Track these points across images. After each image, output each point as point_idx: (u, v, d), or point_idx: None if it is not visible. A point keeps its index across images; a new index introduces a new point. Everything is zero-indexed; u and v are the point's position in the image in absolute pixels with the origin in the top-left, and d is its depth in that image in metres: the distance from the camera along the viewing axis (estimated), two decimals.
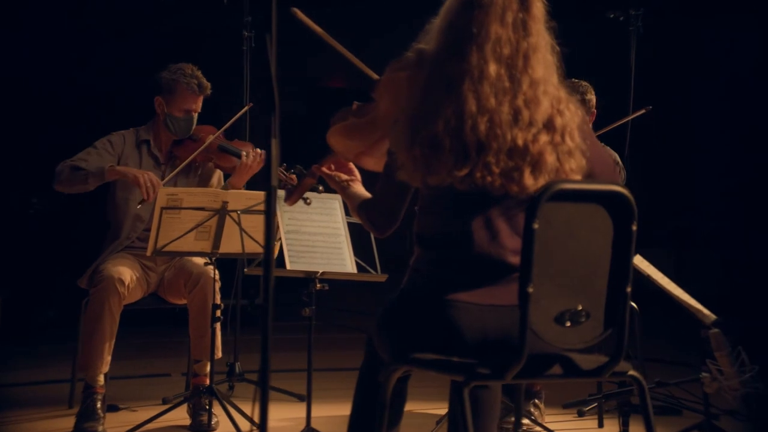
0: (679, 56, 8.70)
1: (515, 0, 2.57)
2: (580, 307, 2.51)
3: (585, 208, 2.50)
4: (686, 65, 8.89)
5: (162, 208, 4.12)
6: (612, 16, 5.28)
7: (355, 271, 3.98)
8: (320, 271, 3.89)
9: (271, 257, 2.30)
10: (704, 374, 3.69)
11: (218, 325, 4.44)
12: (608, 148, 4.93)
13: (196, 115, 4.75)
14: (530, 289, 2.42)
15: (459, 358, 2.54)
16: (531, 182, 2.55)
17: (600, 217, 2.51)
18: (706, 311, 3.69)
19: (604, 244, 2.52)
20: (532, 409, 4.64)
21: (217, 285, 4.42)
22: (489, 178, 2.53)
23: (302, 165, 3.81)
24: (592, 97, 4.80)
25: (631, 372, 2.62)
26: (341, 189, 3.00)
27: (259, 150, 4.66)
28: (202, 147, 4.61)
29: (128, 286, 4.41)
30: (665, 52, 7.89)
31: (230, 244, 4.27)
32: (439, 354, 2.56)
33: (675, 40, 8.26)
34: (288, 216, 3.83)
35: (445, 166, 2.53)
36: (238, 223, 4.10)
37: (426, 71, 2.60)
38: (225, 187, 4.64)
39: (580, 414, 4.89)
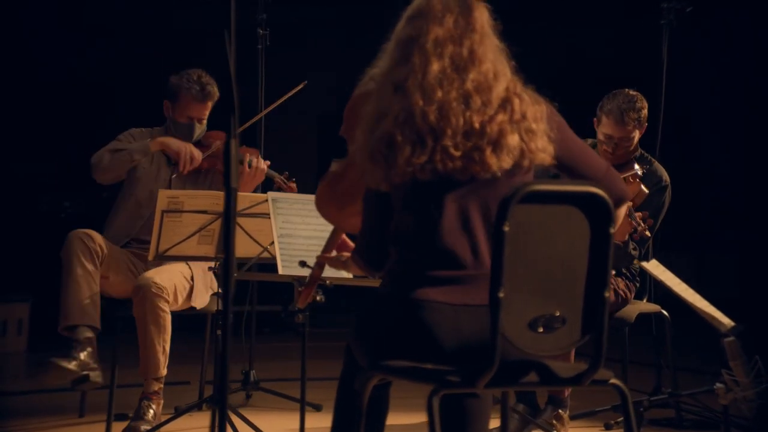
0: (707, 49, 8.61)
1: (455, 4, 2.74)
2: (557, 313, 2.56)
3: (559, 210, 2.55)
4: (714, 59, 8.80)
5: (163, 212, 4.24)
6: (689, 9, 5.26)
7: (351, 275, 4.05)
8: None
9: (231, 262, 2.39)
10: (719, 385, 3.70)
11: (167, 338, 4.55)
12: (657, 163, 4.90)
13: (202, 124, 4.95)
14: (501, 294, 2.48)
15: (434, 364, 2.61)
16: (494, 161, 2.64)
17: (576, 219, 2.56)
18: (723, 319, 3.70)
19: (580, 247, 2.56)
20: (554, 421, 4.66)
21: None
22: (450, 163, 2.64)
23: None
24: (646, 111, 4.79)
25: (613, 380, 2.66)
26: (345, 266, 3.13)
27: (262, 161, 4.85)
28: (208, 152, 4.77)
29: (102, 247, 4.57)
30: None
31: (236, 248, 4.35)
32: (414, 359, 2.63)
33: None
34: (282, 219, 3.91)
35: (402, 157, 2.64)
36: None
37: (377, 85, 2.77)
38: None
39: (608, 427, 4.90)
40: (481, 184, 2.68)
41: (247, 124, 4.84)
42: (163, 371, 4.61)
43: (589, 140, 4.78)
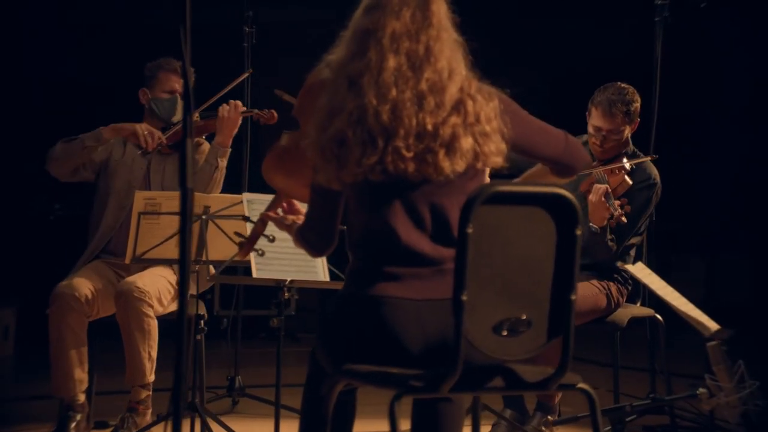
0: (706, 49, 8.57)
1: None
2: (524, 317, 2.58)
3: (524, 211, 2.56)
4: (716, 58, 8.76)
5: (140, 213, 4.25)
6: (703, 5, 5.26)
7: (327, 278, 4.07)
8: (289, 279, 3.99)
9: (187, 264, 2.41)
10: (701, 390, 3.71)
11: (153, 343, 4.55)
12: (649, 162, 4.89)
13: (178, 97, 4.95)
14: (464, 297, 2.49)
15: (399, 364, 2.63)
16: (447, 164, 2.68)
17: (541, 221, 2.57)
18: (708, 323, 3.70)
19: (546, 249, 2.58)
20: (543, 428, 4.67)
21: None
22: (402, 165, 2.67)
23: None
24: (638, 105, 4.77)
25: (581, 385, 2.67)
26: (289, 230, 3.15)
27: (233, 101, 4.88)
28: (172, 131, 4.83)
29: (89, 299, 4.52)
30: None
31: (215, 251, 4.37)
32: (378, 361, 2.65)
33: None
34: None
35: (353, 156, 2.67)
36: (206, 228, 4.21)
37: (332, 76, 2.78)
38: (213, 149, 4.85)
39: None
40: (435, 185, 2.71)
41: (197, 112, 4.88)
42: (150, 378, 4.61)
43: (584, 136, 4.82)
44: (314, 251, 2.99)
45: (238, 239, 3.41)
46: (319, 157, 2.73)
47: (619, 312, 4.79)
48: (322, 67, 2.87)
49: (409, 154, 2.66)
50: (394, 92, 2.68)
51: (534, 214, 2.56)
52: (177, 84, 4.95)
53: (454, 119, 2.69)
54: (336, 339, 2.75)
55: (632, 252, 4.82)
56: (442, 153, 2.67)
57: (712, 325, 3.68)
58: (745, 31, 8.39)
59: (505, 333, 2.54)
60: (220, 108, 4.85)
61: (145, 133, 4.74)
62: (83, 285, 4.56)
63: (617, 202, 4.47)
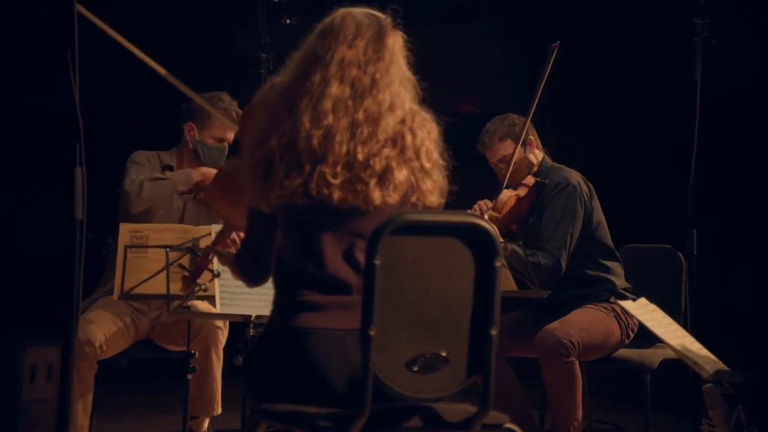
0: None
1: (370, 28, 2.86)
2: (444, 354, 2.59)
3: (439, 242, 2.58)
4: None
5: (126, 247, 4.34)
6: None
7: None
8: (254, 315, 4.03)
9: (76, 301, 2.47)
10: None
11: (218, 376, 4.66)
12: (565, 169, 4.99)
13: (227, 147, 5.03)
14: (372, 332, 2.52)
15: (322, 401, 2.65)
16: (377, 194, 2.75)
17: (458, 252, 2.59)
18: (707, 365, 3.62)
19: (464, 282, 2.59)
20: None
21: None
22: (326, 190, 2.74)
23: None
24: (510, 125, 4.95)
25: (508, 425, 2.67)
26: (231, 264, 3.20)
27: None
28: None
29: (100, 345, 4.59)
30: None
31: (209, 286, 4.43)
32: (301, 398, 2.68)
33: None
34: None
35: (276, 178, 2.75)
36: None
37: (274, 98, 2.87)
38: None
39: None
40: (364, 214, 2.76)
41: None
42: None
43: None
44: (250, 279, 3.04)
45: (181, 272, 3.48)
46: (250, 177, 2.82)
47: (649, 352, 4.71)
48: (266, 89, 2.96)
49: (335, 181, 2.73)
50: (330, 119, 2.77)
51: (450, 245, 2.58)
52: (229, 133, 4.99)
53: (388, 151, 2.76)
54: (258, 376, 2.79)
55: (618, 270, 4.85)
56: (373, 183, 2.74)
57: (711, 367, 3.61)
58: None
59: (416, 369, 2.56)
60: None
61: None
62: (99, 330, 4.63)
63: (489, 210, 4.73)
